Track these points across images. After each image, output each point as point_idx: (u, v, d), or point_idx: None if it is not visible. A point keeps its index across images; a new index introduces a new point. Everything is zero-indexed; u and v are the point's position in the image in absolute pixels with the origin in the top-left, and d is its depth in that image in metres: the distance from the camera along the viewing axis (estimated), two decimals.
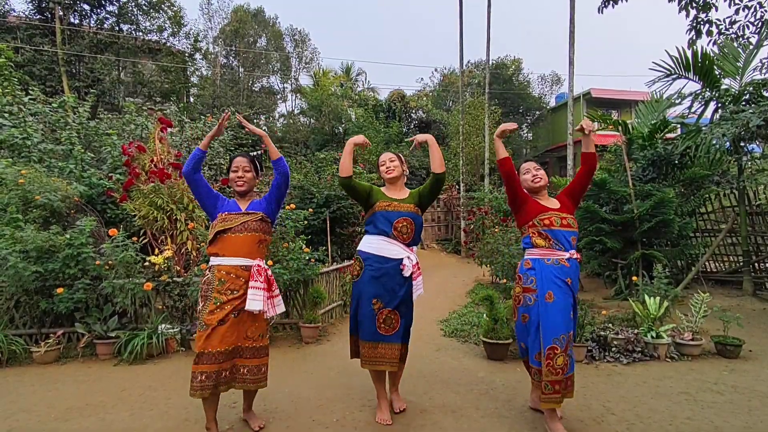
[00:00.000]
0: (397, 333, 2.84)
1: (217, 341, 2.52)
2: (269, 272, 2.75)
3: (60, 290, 4.28)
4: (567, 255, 2.69)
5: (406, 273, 2.83)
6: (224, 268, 2.62)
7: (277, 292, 2.78)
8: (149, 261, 4.67)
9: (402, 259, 2.84)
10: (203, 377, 2.48)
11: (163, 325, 4.41)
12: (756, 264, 6.90)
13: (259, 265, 2.66)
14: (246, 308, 2.59)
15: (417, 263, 2.94)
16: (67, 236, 4.46)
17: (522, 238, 2.93)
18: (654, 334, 4.19)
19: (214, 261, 2.67)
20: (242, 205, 2.77)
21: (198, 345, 2.54)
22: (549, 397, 2.56)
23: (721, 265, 7.52)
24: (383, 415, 2.88)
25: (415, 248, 2.97)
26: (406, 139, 17.17)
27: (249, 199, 2.81)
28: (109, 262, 4.43)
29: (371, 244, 2.89)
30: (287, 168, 2.80)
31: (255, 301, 2.59)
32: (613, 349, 4.13)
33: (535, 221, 2.77)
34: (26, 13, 14.60)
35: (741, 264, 6.79)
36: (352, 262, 2.98)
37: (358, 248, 2.98)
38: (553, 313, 2.59)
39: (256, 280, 2.62)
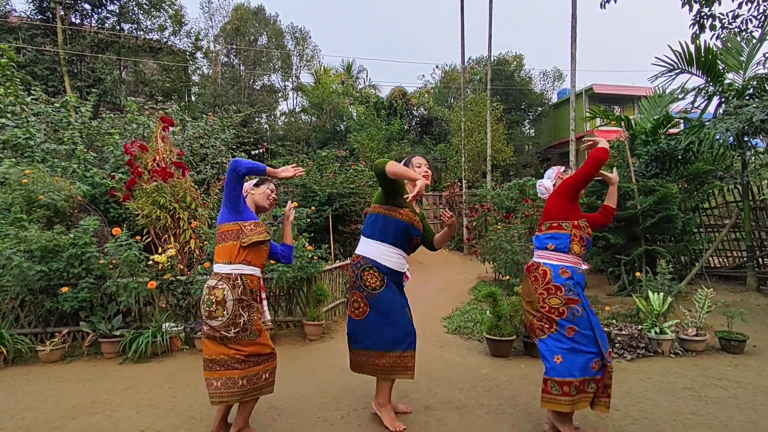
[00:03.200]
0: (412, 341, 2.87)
1: (258, 347, 2.50)
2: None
3: (65, 289, 4.31)
4: (585, 266, 2.61)
5: (406, 284, 2.92)
6: (253, 278, 2.56)
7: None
8: (153, 260, 4.68)
9: (405, 272, 2.89)
10: (245, 381, 2.45)
11: (167, 324, 4.42)
12: (760, 259, 6.87)
13: (261, 278, 2.69)
14: (265, 319, 2.63)
15: None
16: (71, 236, 4.48)
17: (543, 234, 2.64)
18: (658, 330, 4.18)
19: (244, 269, 2.52)
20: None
21: (257, 349, 2.49)
22: (605, 401, 2.52)
23: (725, 260, 7.50)
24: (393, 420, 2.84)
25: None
26: (407, 136, 17.19)
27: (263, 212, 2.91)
28: (113, 261, 4.45)
29: (389, 258, 2.74)
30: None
31: (266, 311, 2.68)
32: (617, 345, 4.13)
33: (581, 223, 2.57)
34: (27, 13, 14.63)
35: (745, 259, 6.77)
36: (362, 266, 2.82)
37: (372, 258, 2.73)
38: (596, 320, 2.51)
39: (264, 291, 2.70)
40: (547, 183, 2.84)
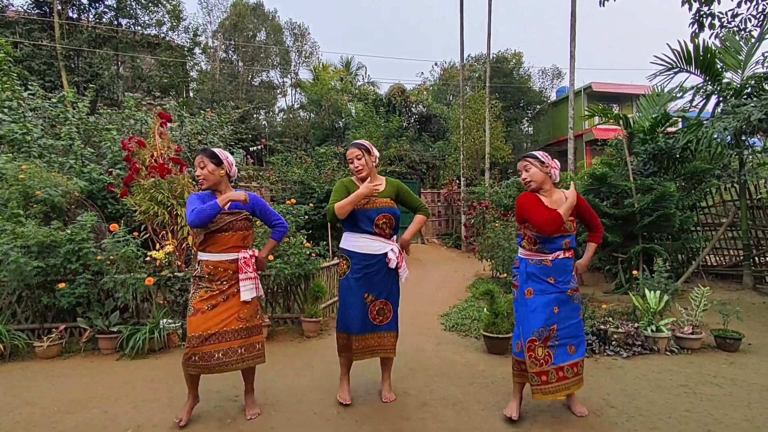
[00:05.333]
0: (391, 321, 3.01)
1: (207, 324, 2.65)
2: (255, 255, 2.88)
3: (62, 285, 4.30)
4: (551, 257, 2.71)
5: (392, 265, 2.94)
6: (212, 263, 2.74)
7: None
8: (150, 256, 4.67)
9: (387, 252, 2.92)
10: (196, 358, 2.63)
11: (165, 320, 4.42)
12: (756, 258, 6.90)
13: (245, 258, 2.77)
14: (241, 299, 2.72)
15: (399, 251, 3.03)
16: (68, 231, 4.47)
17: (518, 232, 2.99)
18: (654, 328, 4.20)
19: (202, 256, 2.77)
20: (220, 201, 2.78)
21: (189, 329, 2.66)
22: (538, 389, 2.64)
23: (722, 258, 7.53)
24: (345, 395, 3.03)
25: (395, 237, 3.06)
26: (405, 134, 17.18)
27: (223, 193, 2.82)
28: (111, 257, 4.44)
29: (355, 242, 2.95)
30: (287, 228, 3.06)
31: (247, 291, 2.74)
32: (613, 342, 4.15)
33: (529, 224, 2.74)
34: (24, 7, 14.53)
35: (741, 258, 6.80)
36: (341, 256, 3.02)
37: (341, 246, 3.03)
38: (531, 308, 2.69)
39: (245, 272, 2.76)
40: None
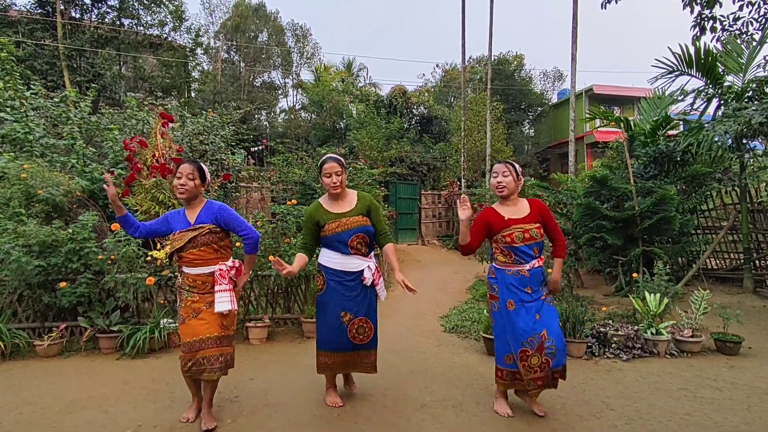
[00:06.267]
0: (372, 340, 2.98)
1: (195, 331, 2.67)
2: (236, 266, 2.82)
3: (63, 284, 4.30)
4: (528, 266, 2.76)
5: (368, 283, 2.91)
6: (190, 276, 2.75)
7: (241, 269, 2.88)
8: (151, 256, 4.68)
9: (363, 270, 2.90)
10: (191, 364, 2.66)
11: (165, 320, 4.43)
12: (757, 261, 6.90)
13: (221, 269, 2.72)
14: (216, 311, 2.68)
15: (376, 268, 3.00)
16: (70, 231, 4.48)
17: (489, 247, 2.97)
18: (654, 331, 4.20)
19: (183, 268, 2.78)
20: (190, 216, 2.77)
21: (181, 336, 2.73)
22: (535, 392, 2.81)
23: (722, 262, 7.52)
24: (333, 399, 3.03)
25: (372, 253, 3.04)
26: (407, 135, 17.18)
27: (197, 207, 2.78)
28: (112, 256, 4.45)
29: (330, 259, 2.93)
30: (256, 237, 2.85)
31: (222, 303, 2.69)
32: (613, 345, 4.15)
33: (498, 237, 2.80)
34: (27, 7, 14.57)
35: (742, 261, 6.79)
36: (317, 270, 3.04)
37: (318, 261, 3.01)
38: (515, 319, 2.72)
39: (220, 284, 2.71)
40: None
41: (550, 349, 2.68)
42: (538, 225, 2.79)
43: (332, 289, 2.90)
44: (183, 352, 2.69)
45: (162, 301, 4.69)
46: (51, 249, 4.42)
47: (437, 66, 27.27)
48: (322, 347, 2.95)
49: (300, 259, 2.91)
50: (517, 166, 2.91)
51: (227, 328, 2.75)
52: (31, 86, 8.09)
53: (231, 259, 2.84)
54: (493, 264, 2.91)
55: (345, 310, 2.88)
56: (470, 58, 22.83)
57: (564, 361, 2.77)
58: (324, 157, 2.98)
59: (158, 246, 5.01)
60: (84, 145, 6.99)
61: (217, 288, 2.70)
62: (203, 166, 2.83)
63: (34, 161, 5.82)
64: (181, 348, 2.71)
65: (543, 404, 2.95)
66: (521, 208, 2.85)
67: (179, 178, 2.72)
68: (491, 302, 2.91)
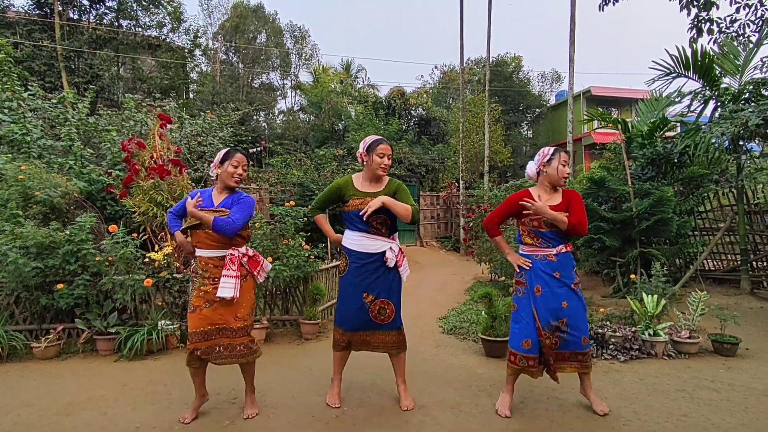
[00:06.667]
0: (393, 320, 2.98)
1: (204, 321, 2.71)
2: (249, 254, 2.87)
3: (60, 286, 4.29)
4: (555, 251, 2.83)
5: (390, 264, 2.91)
6: (203, 259, 2.80)
7: (260, 259, 2.95)
8: (149, 257, 4.68)
9: (385, 251, 2.90)
10: (198, 353, 2.71)
11: (163, 322, 4.42)
12: (754, 262, 6.92)
13: (232, 254, 2.77)
14: (217, 295, 2.70)
15: (400, 250, 3.01)
16: (67, 232, 4.47)
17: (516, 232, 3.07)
18: (651, 332, 4.21)
19: (197, 251, 2.84)
20: (216, 199, 2.85)
21: (190, 325, 2.74)
22: (548, 371, 2.90)
23: (719, 263, 7.54)
24: (333, 398, 3.04)
25: (396, 235, 3.03)
26: (405, 136, 17.19)
27: (226, 194, 2.88)
28: (109, 258, 4.45)
29: (353, 240, 2.96)
30: (230, 227, 2.70)
31: (225, 288, 2.70)
32: (611, 346, 4.16)
33: (526, 220, 2.88)
34: (25, 8, 14.55)
35: (739, 262, 6.80)
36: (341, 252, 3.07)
37: (342, 243, 3.06)
38: (541, 304, 2.81)
39: (228, 269, 2.74)
40: (531, 169, 3.03)
41: (562, 334, 2.81)
42: (566, 214, 2.82)
43: (355, 271, 2.93)
44: (192, 341, 2.70)
45: (160, 303, 4.68)
46: (48, 251, 4.41)
47: (436, 67, 27.37)
48: (340, 324, 2.97)
49: (324, 218, 3.06)
50: (539, 154, 3.04)
51: (243, 319, 2.79)
52: (29, 87, 8.08)
53: (245, 246, 2.90)
54: (521, 250, 2.97)
55: (367, 292, 2.90)
56: (468, 59, 22.89)
57: (585, 349, 2.87)
58: (375, 138, 2.99)
59: (156, 247, 5.00)
60: (82, 147, 6.99)
61: (224, 272, 2.72)
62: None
63: (31, 162, 5.81)
64: (190, 338, 2.72)
65: (605, 403, 2.98)
66: (556, 196, 2.92)
67: (236, 167, 2.82)
68: (516, 287, 2.95)
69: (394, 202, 2.82)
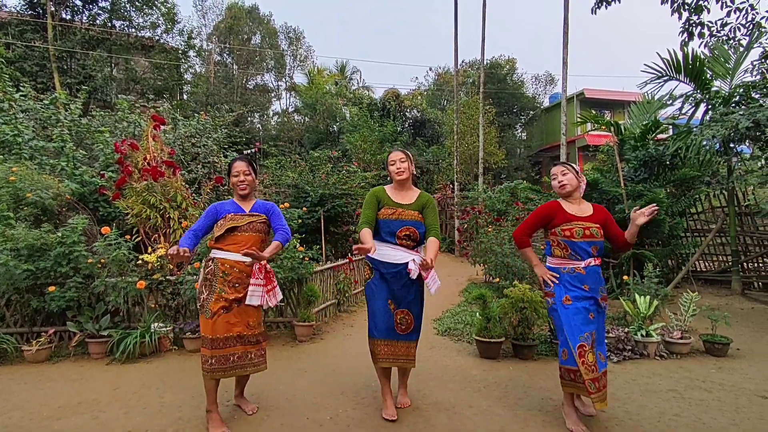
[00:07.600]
0: (414, 331, 2.97)
1: (223, 328, 2.71)
2: (269, 267, 2.91)
3: (52, 288, 4.25)
4: (583, 264, 2.76)
5: (413, 276, 2.86)
6: (229, 262, 2.77)
7: (275, 282, 2.98)
8: (142, 259, 4.65)
9: (408, 263, 2.88)
10: (214, 361, 2.67)
11: (156, 324, 4.39)
12: (744, 264, 7.00)
13: (260, 264, 2.81)
14: (246, 303, 2.76)
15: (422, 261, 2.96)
16: (59, 234, 4.43)
17: (545, 242, 2.98)
18: (644, 333, 4.24)
19: (218, 254, 2.80)
20: (245, 206, 2.93)
21: (206, 330, 2.70)
22: (597, 396, 2.60)
23: (711, 264, 7.62)
24: (389, 411, 2.91)
25: (420, 248, 3.02)
26: (400, 138, 17.24)
27: (251, 201, 2.97)
28: (102, 260, 4.41)
29: (378, 250, 2.88)
30: (289, 237, 2.99)
31: (255, 296, 2.77)
32: None
33: (557, 230, 2.81)
34: (17, 8, 14.44)
35: (730, 263, 6.88)
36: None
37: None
38: (572, 315, 2.70)
39: (257, 278, 2.80)
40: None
41: (598, 351, 2.69)
42: (598, 226, 2.79)
43: (379, 279, 2.94)
44: (208, 348, 2.67)
45: (153, 305, 4.65)
46: (40, 253, 4.37)
47: (430, 69, 27.41)
48: (376, 335, 2.90)
49: (368, 233, 2.88)
50: (575, 165, 2.96)
51: (255, 327, 2.84)
52: (21, 88, 8.02)
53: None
54: (548, 263, 2.90)
55: (391, 299, 2.92)
56: (463, 61, 22.96)
57: (605, 367, 2.74)
58: (390, 151, 3.15)
59: (149, 249, 4.97)
60: (74, 148, 6.94)
61: (252, 281, 2.77)
62: (251, 160, 2.98)
63: (23, 164, 5.76)
64: (204, 344, 2.69)
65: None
66: (584, 208, 2.87)
67: (237, 176, 2.88)
68: (546, 299, 2.89)
69: (435, 255, 2.85)
